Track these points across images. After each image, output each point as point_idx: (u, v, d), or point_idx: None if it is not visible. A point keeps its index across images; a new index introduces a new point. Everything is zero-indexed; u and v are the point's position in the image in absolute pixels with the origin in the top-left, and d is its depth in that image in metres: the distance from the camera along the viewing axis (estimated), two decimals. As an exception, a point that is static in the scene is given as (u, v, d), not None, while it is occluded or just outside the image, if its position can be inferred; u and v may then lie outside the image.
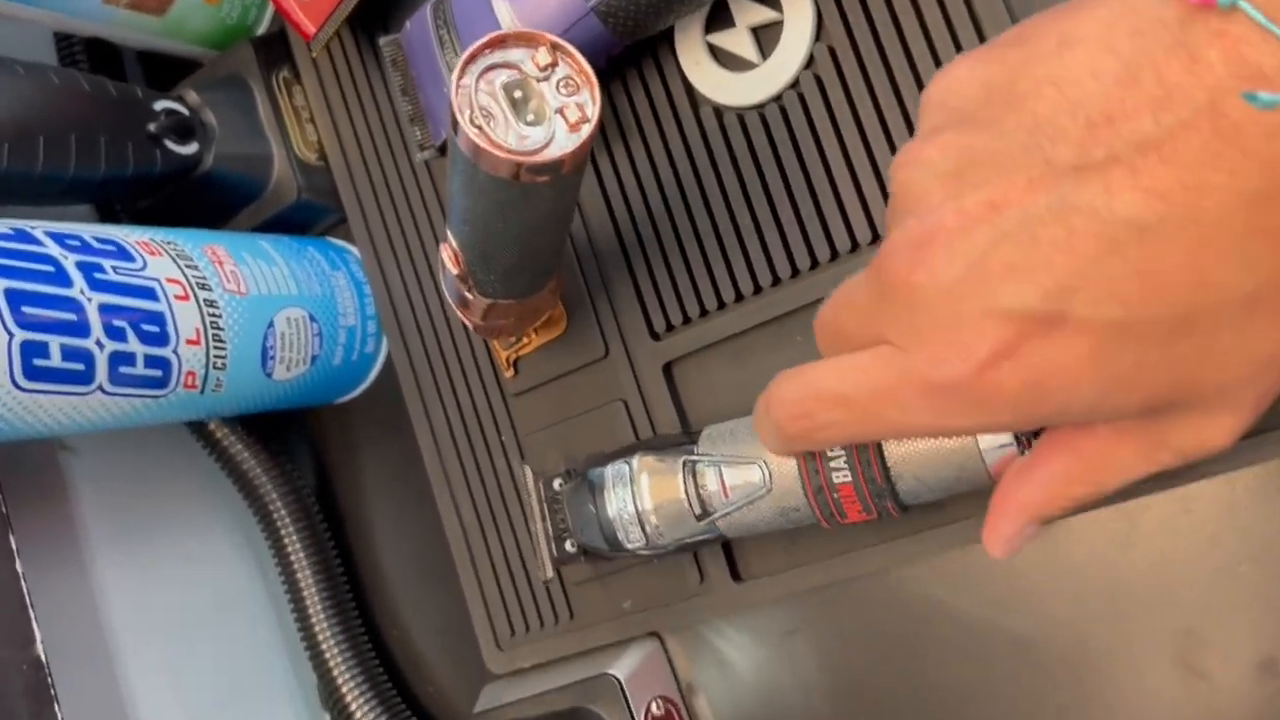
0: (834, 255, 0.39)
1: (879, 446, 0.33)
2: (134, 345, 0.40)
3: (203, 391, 0.43)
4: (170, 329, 0.41)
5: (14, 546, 0.42)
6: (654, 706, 0.42)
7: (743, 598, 0.41)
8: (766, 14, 0.39)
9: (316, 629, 0.50)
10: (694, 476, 0.37)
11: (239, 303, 0.44)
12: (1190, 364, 0.22)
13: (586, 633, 0.44)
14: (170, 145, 0.47)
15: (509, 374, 0.46)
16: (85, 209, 0.53)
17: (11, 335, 0.36)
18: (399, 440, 0.51)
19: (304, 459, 0.56)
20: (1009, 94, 0.23)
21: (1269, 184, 0.19)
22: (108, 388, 0.39)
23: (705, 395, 0.42)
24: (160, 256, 0.42)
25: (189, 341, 0.42)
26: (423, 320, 0.48)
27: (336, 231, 0.53)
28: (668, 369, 0.42)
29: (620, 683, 0.42)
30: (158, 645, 0.48)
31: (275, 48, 0.51)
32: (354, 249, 0.52)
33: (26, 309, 0.37)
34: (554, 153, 0.30)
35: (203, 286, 0.43)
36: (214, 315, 0.43)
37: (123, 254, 0.41)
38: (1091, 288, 0.21)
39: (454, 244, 0.36)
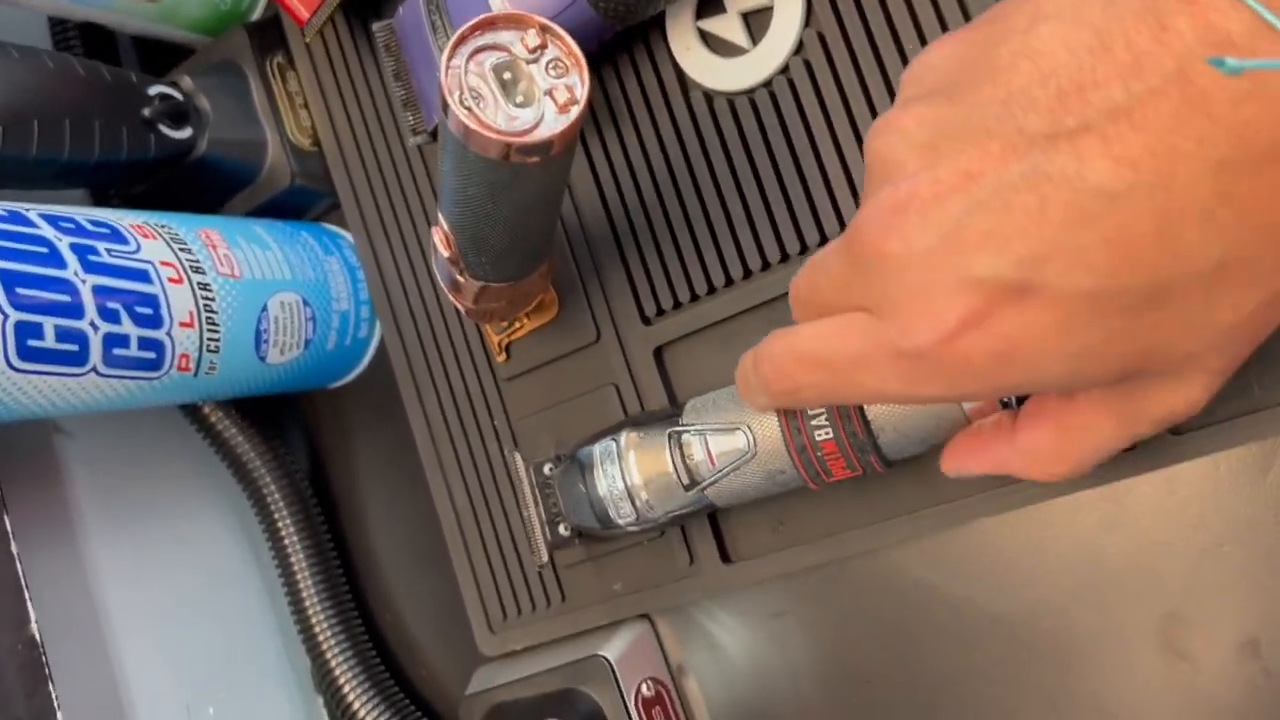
0: (823, 239, 0.39)
1: None
2: (128, 327, 0.40)
3: (196, 374, 0.43)
4: (164, 311, 0.41)
5: (9, 528, 0.43)
6: (644, 687, 0.42)
7: (732, 579, 0.41)
8: (757, 0, 0.40)
9: (310, 612, 0.50)
10: (680, 447, 0.37)
11: (232, 286, 0.44)
12: (1160, 334, 0.22)
13: (578, 615, 0.44)
14: (164, 130, 0.47)
15: (501, 358, 0.46)
16: (79, 194, 0.53)
17: (6, 316, 0.36)
18: (392, 425, 0.51)
19: (298, 443, 0.56)
20: (984, 68, 0.23)
21: (1236, 152, 0.19)
22: (102, 369, 0.40)
23: (695, 378, 0.42)
24: (154, 240, 0.42)
25: (182, 324, 0.42)
26: (415, 305, 0.48)
27: (330, 217, 0.53)
28: (658, 353, 0.43)
29: (611, 664, 0.42)
30: (151, 626, 0.49)
31: (269, 33, 0.51)
32: (347, 234, 0.52)
33: (21, 290, 0.37)
34: (543, 134, 0.30)
35: (196, 270, 0.43)
36: (207, 298, 0.43)
37: (117, 237, 0.41)
38: (1062, 257, 0.21)
39: (445, 227, 0.36)
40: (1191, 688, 0.36)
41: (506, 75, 0.30)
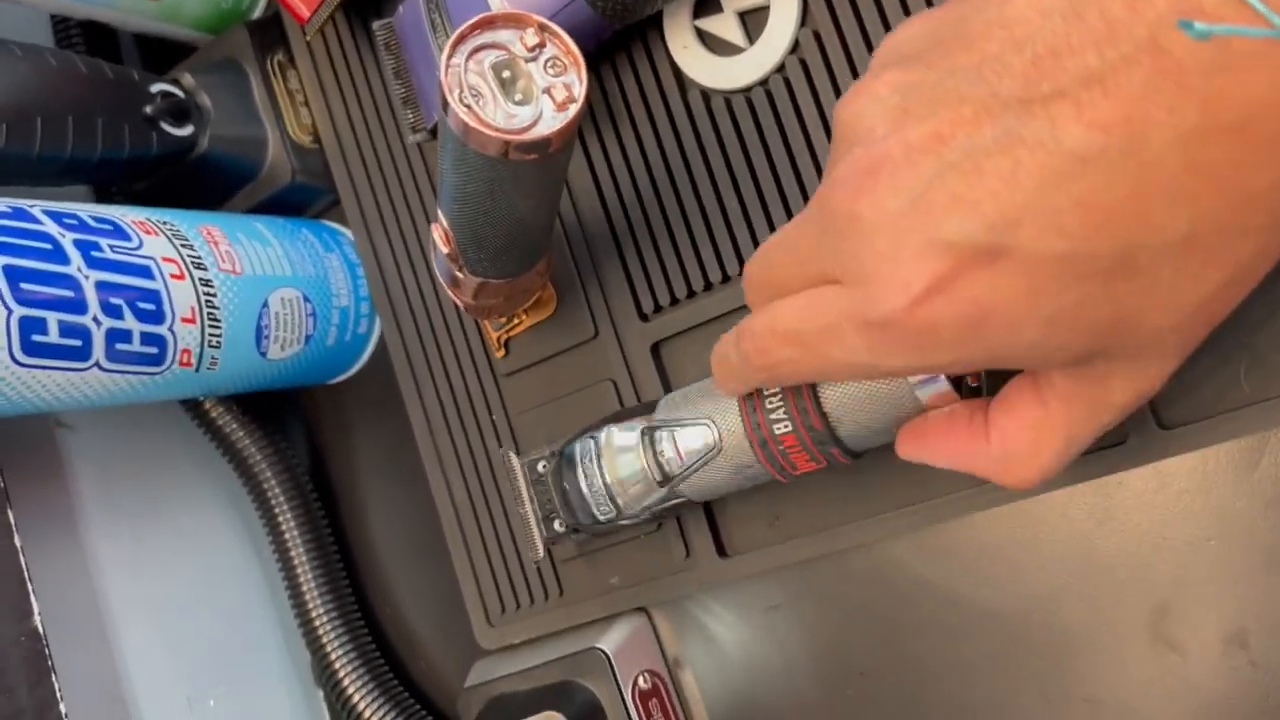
0: (818, 237, 0.39)
1: (814, 393, 0.32)
2: (130, 323, 0.40)
3: (198, 370, 0.43)
4: (166, 307, 0.41)
5: (12, 521, 0.43)
6: (641, 680, 0.43)
7: (728, 572, 0.42)
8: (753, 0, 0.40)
9: (310, 606, 0.51)
10: (652, 444, 0.37)
11: (234, 282, 0.44)
12: (1129, 304, 0.22)
13: (575, 608, 0.45)
14: (166, 127, 0.47)
15: (500, 354, 0.46)
16: (82, 190, 0.54)
17: (10, 311, 0.37)
18: (392, 420, 0.52)
19: (298, 438, 0.56)
20: (959, 36, 0.23)
21: (1206, 120, 0.20)
22: (104, 364, 0.40)
23: (692, 374, 0.43)
24: (156, 236, 0.43)
25: (184, 320, 0.42)
26: (415, 301, 0.48)
27: (330, 214, 0.54)
28: (656, 349, 0.43)
29: (608, 657, 0.42)
30: (153, 619, 0.49)
31: (270, 32, 0.51)
32: (347, 231, 0.52)
33: (25, 285, 0.37)
34: (541, 131, 0.30)
35: (198, 266, 0.43)
36: (209, 294, 0.43)
37: (119, 233, 0.41)
38: (1035, 220, 0.21)
39: (445, 224, 0.37)
40: (1181, 679, 0.36)
41: (505, 73, 0.31)
